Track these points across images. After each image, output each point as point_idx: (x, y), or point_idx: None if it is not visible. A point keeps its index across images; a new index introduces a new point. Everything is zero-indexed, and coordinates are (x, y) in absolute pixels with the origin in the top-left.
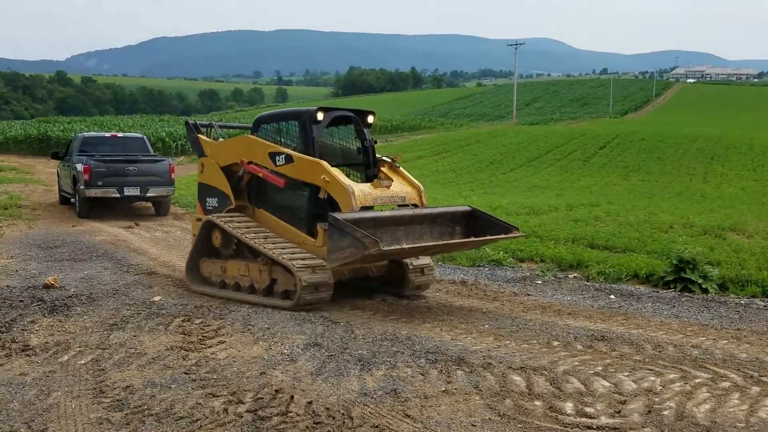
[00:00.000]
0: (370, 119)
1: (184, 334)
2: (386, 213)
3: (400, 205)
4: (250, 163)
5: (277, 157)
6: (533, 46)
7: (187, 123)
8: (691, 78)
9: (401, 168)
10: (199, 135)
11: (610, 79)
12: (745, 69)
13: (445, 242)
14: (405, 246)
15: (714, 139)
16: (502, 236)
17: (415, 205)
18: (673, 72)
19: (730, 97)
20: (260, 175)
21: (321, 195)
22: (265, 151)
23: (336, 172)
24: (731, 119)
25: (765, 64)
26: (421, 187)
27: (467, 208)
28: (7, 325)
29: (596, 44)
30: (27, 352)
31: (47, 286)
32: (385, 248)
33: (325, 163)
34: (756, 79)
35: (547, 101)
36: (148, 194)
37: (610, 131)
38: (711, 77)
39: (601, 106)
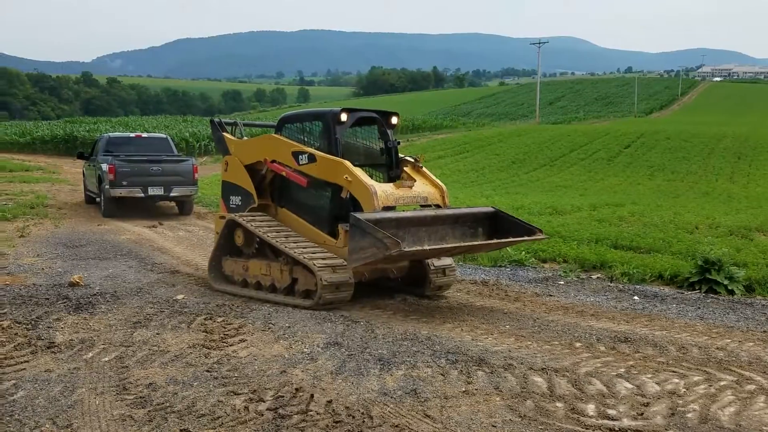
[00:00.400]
0: (394, 120)
1: (206, 332)
2: (408, 213)
3: (422, 206)
4: (273, 161)
5: (300, 156)
6: (557, 45)
7: (212, 121)
8: (718, 76)
9: (424, 168)
10: (224, 133)
11: (634, 78)
12: None
13: (467, 244)
14: (426, 247)
15: (741, 138)
16: (525, 238)
17: (438, 206)
18: (699, 70)
19: (758, 95)
20: (283, 174)
21: (343, 195)
22: (289, 150)
23: (359, 171)
24: (758, 118)
25: None
26: (444, 188)
27: (490, 209)
28: (33, 322)
29: (621, 43)
30: (52, 349)
31: (72, 284)
32: (407, 249)
33: (347, 163)
34: None
35: (571, 100)
36: (171, 194)
37: (634, 130)
38: (738, 76)
39: (626, 105)
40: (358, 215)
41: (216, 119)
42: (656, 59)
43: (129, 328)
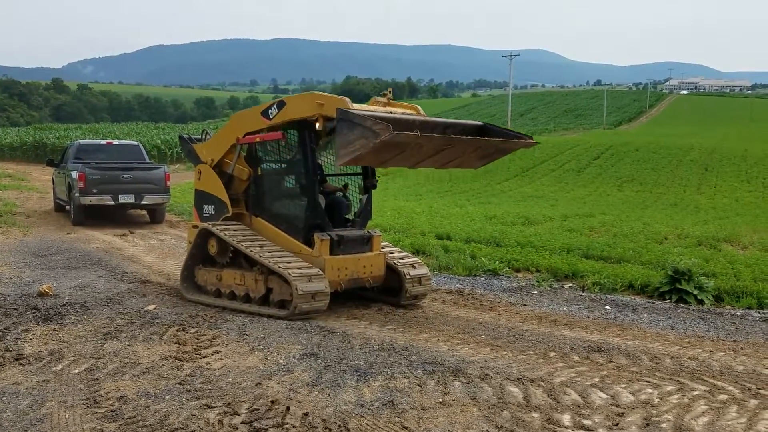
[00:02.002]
0: None
1: (179, 343)
2: (397, 115)
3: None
4: (245, 135)
5: (270, 111)
6: (528, 57)
7: (180, 137)
8: (685, 89)
9: (394, 101)
10: (193, 144)
11: (603, 91)
12: (739, 81)
13: (458, 137)
14: (418, 132)
15: (708, 150)
16: (516, 141)
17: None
18: (667, 83)
19: (724, 108)
20: (257, 140)
21: (318, 126)
22: (257, 112)
23: (329, 94)
24: (725, 130)
25: (758, 75)
26: (420, 108)
27: (479, 123)
28: (0, 333)
29: (590, 56)
30: (20, 361)
31: (41, 294)
32: (398, 133)
33: (317, 92)
34: (749, 91)
35: (541, 112)
36: (143, 202)
37: (604, 142)
38: (704, 89)
39: (595, 117)
40: (345, 107)
41: (185, 135)
42: (625, 72)
43: (99, 340)
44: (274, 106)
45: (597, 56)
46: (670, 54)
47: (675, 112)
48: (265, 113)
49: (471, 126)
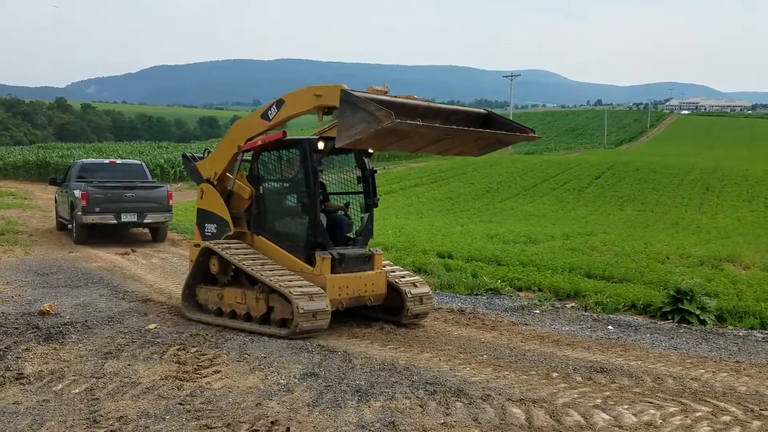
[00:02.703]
0: (371, 149)
1: (179, 363)
2: (400, 99)
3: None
4: (247, 141)
5: (269, 112)
6: (528, 78)
7: (184, 155)
8: (686, 109)
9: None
10: (196, 162)
11: (604, 110)
12: (739, 101)
13: (459, 127)
14: (419, 122)
15: (709, 170)
16: (518, 134)
17: (428, 100)
18: (668, 103)
19: (724, 128)
20: (259, 143)
21: (319, 119)
22: (257, 116)
23: (326, 84)
24: (726, 150)
25: (758, 96)
26: (416, 97)
27: (483, 111)
28: (1, 352)
29: (591, 76)
30: (21, 381)
31: (43, 313)
32: (400, 120)
33: (314, 85)
34: (750, 111)
35: (543, 131)
36: (145, 220)
37: (605, 161)
38: (705, 109)
39: (596, 136)
40: (349, 90)
41: (188, 153)
42: (625, 92)
43: (100, 359)
44: (273, 106)
45: (597, 76)
46: (671, 74)
47: (676, 132)
48: (264, 115)
49: (474, 114)
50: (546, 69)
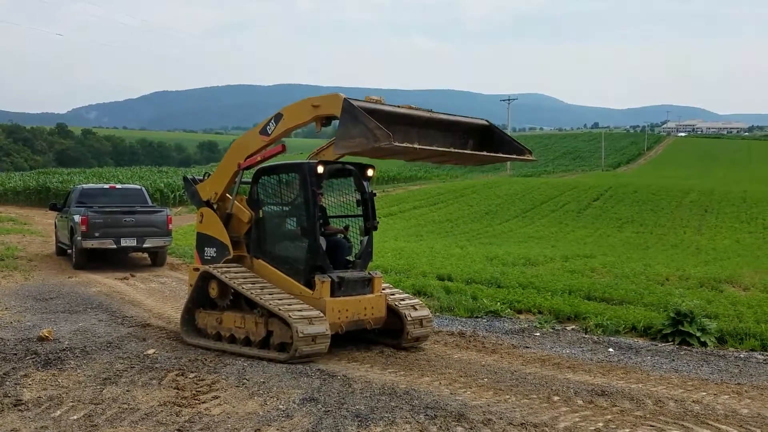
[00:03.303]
0: (370, 172)
1: (178, 388)
2: (402, 110)
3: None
4: (247, 158)
5: (268, 127)
6: (525, 101)
7: (185, 178)
8: (682, 132)
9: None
10: (196, 185)
11: (601, 133)
12: (736, 123)
13: (456, 150)
14: (417, 145)
15: (707, 192)
16: (515, 157)
17: (431, 111)
18: (665, 126)
19: (722, 150)
20: (258, 159)
21: (317, 130)
22: (255, 132)
23: (323, 95)
24: (723, 172)
25: (755, 118)
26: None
27: (484, 122)
28: None
29: (587, 99)
30: (19, 407)
31: (41, 339)
32: (397, 144)
33: (312, 97)
34: (746, 133)
35: (540, 154)
36: (144, 245)
37: (603, 183)
38: (702, 131)
39: (594, 159)
40: (352, 100)
41: (189, 176)
42: (622, 115)
43: (98, 385)
44: (272, 120)
45: (594, 100)
46: (667, 97)
47: (673, 154)
48: (263, 131)
49: (475, 125)
50: (543, 93)
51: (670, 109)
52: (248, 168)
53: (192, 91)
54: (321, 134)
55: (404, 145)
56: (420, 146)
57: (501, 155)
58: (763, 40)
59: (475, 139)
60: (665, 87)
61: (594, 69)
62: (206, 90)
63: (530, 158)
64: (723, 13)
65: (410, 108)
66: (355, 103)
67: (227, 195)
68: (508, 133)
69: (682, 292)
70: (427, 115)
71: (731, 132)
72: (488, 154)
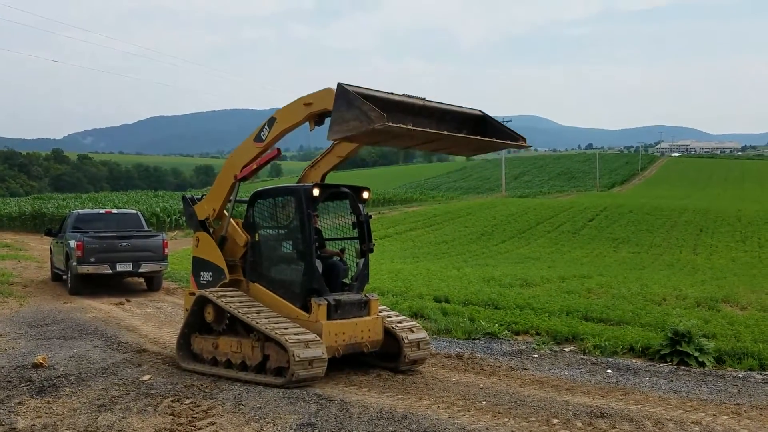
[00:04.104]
0: (365, 195)
1: (174, 415)
2: (397, 97)
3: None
4: (243, 168)
5: (262, 133)
6: (519, 123)
7: (183, 198)
8: (676, 152)
9: None
10: (195, 206)
11: (595, 154)
12: (729, 142)
13: (451, 134)
14: (411, 126)
15: (702, 212)
16: (509, 142)
17: (424, 99)
18: (658, 146)
19: (715, 169)
20: (254, 166)
21: (310, 129)
22: (250, 140)
23: (314, 92)
24: (717, 191)
25: (747, 137)
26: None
27: (478, 112)
28: None
29: (581, 121)
30: None
31: (36, 366)
32: (391, 125)
33: (303, 96)
34: (740, 152)
35: (535, 175)
36: (140, 269)
37: (598, 204)
38: (695, 151)
39: (588, 179)
40: (346, 85)
41: (188, 195)
42: (616, 136)
43: (93, 412)
44: (265, 126)
45: (588, 121)
46: (660, 118)
47: (667, 174)
48: (258, 138)
49: (469, 115)
50: (537, 114)
51: (663, 129)
52: (244, 179)
53: (188, 116)
54: (315, 157)
55: (398, 126)
56: (414, 128)
57: (495, 140)
58: (755, 61)
59: (469, 129)
60: (658, 107)
61: (587, 90)
62: (203, 114)
63: (524, 144)
64: (715, 34)
65: (405, 96)
66: (349, 88)
67: (224, 212)
68: (503, 160)
69: (680, 311)
70: (421, 103)
71: (724, 152)
72: (482, 138)
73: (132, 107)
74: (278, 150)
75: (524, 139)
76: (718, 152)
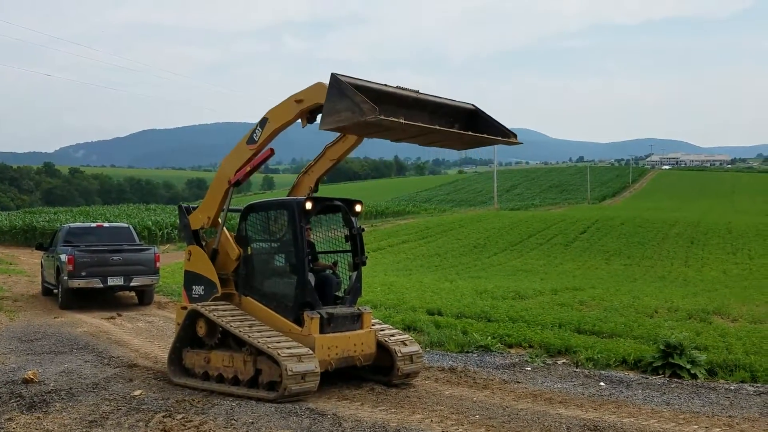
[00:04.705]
0: (358, 208)
1: (165, 430)
2: (390, 89)
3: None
4: (236, 172)
5: (254, 135)
6: None
7: (180, 206)
8: (666, 164)
9: None
10: (189, 218)
11: (586, 167)
12: (718, 155)
13: (442, 128)
14: (402, 120)
15: (692, 224)
16: (500, 139)
17: (417, 91)
18: (648, 159)
19: (705, 182)
20: (248, 169)
21: (303, 125)
22: (242, 143)
23: (305, 89)
24: (708, 204)
25: (737, 150)
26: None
27: (470, 107)
28: None
29: (572, 134)
30: None
31: (26, 381)
32: (383, 118)
33: (294, 94)
34: (729, 165)
35: (527, 187)
36: (132, 283)
37: (589, 216)
38: (685, 164)
39: (579, 192)
40: (340, 76)
41: (184, 205)
42: (606, 149)
43: (84, 428)
44: (258, 127)
45: (578, 134)
46: (650, 130)
47: (657, 186)
48: (250, 140)
49: (461, 109)
50: (528, 127)
51: (653, 142)
52: (238, 184)
53: (180, 129)
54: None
55: (390, 119)
56: (406, 122)
57: (486, 136)
58: (744, 74)
59: (461, 123)
60: (648, 120)
61: (577, 104)
62: (195, 128)
63: (515, 141)
64: (703, 49)
65: (398, 88)
66: (343, 79)
67: (218, 220)
68: (494, 173)
69: (671, 324)
70: (414, 95)
71: (714, 164)
72: (474, 134)
73: (124, 120)
74: (271, 150)
75: (515, 136)
76: (708, 165)
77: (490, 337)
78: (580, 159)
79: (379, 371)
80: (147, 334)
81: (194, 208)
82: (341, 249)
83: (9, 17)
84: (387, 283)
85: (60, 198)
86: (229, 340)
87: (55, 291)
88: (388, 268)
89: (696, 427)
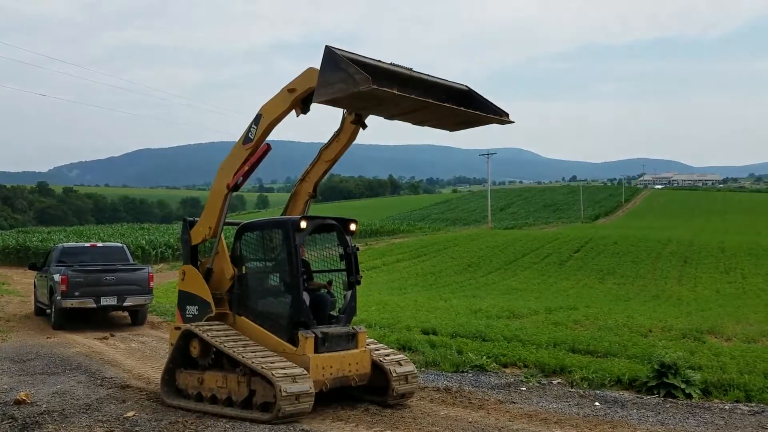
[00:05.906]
0: (353, 227)
1: None
2: (385, 65)
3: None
4: (234, 174)
5: (249, 133)
6: (504, 156)
7: (185, 220)
8: (659, 184)
9: None
10: (191, 233)
11: (579, 186)
12: (710, 175)
13: (436, 102)
14: (395, 91)
15: (685, 243)
16: (493, 116)
17: (410, 69)
18: (641, 179)
19: (697, 201)
20: (246, 168)
21: (297, 115)
22: (238, 145)
23: (296, 79)
24: (700, 223)
25: (729, 170)
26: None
27: (464, 87)
28: None
29: (564, 153)
30: None
31: (19, 402)
32: (376, 87)
33: (285, 85)
34: (721, 185)
35: (521, 207)
36: (125, 303)
37: (583, 235)
38: (677, 183)
39: (573, 211)
40: (334, 48)
41: (189, 219)
42: (599, 168)
43: None
44: (252, 125)
45: (571, 154)
46: (643, 150)
47: (650, 206)
48: (246, 139)
49: (455, 89)
50: (521, 147)
51: (645, 162)
52: (237, 188)
53: (175, 149)
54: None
55: (383, 90)
56: (399, 93)
57: (480, 114)
58: (735, 96)
59: (454, 102)
60: (640, 140)
61: (570, 123)
62: (189, 147)
63: (508, 120)
64: (697, 70)
65: (393, 65)
66: (337, 51)
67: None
68: (488, 192)
69: (665, 343)
70: (409, 72)
71: (706, 184)
72: (467, 111)
73: (118, 140)
74: (268, 145)
75: (507, 115)
76: (700, 184)
77: (485, 357)
78: (573, 178)
79: (373, 391)
80: (140, 355)
81: (197, 219)
82: (336, 268)
83: (3, 37)
84: (382, 302)
85: (54, 217)
86: (222, 361)
87: (48, 311)
88: (383, 287)
89: None
